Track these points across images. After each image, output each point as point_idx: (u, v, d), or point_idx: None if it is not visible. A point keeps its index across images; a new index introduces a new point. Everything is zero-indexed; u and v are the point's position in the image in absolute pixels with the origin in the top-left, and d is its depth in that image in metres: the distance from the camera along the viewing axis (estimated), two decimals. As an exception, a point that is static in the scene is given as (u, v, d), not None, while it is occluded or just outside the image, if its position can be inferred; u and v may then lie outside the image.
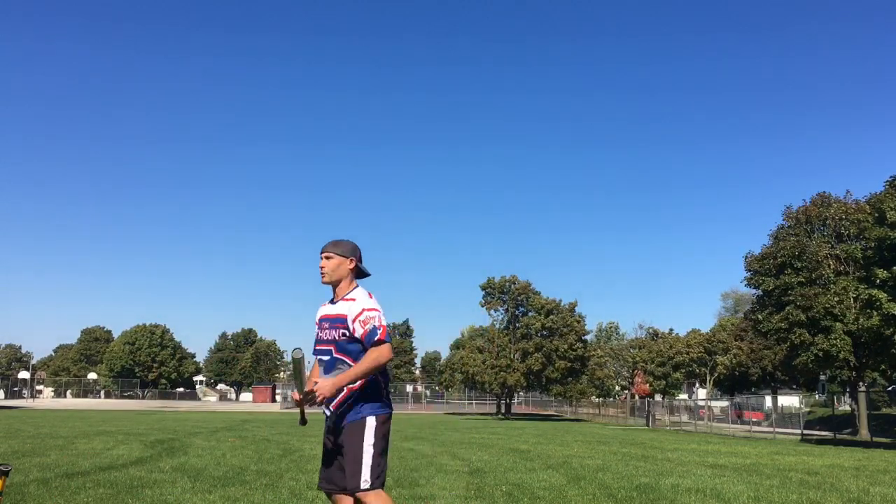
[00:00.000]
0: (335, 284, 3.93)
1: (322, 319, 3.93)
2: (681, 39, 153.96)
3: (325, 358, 3.86)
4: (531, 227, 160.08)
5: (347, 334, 3.76)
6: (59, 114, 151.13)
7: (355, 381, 3.70)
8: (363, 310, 3.74)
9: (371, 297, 3.86)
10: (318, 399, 3.66)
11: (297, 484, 8.71)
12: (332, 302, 3.93)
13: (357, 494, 3.65)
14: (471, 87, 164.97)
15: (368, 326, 3.69)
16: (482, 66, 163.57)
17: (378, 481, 3.65)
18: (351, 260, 3.93)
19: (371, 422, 3.71)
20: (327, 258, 3.92)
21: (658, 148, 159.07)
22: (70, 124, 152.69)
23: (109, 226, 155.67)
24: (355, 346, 3.77)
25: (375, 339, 3.67)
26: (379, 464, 3.67)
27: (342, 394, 3.74)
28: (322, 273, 3.91)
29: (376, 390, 3.77)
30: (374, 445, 3.67)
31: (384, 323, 3.74)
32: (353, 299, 3.82)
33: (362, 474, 3.62)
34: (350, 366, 3.73)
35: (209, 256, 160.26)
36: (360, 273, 4.00)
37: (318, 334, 3.95)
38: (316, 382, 3.69)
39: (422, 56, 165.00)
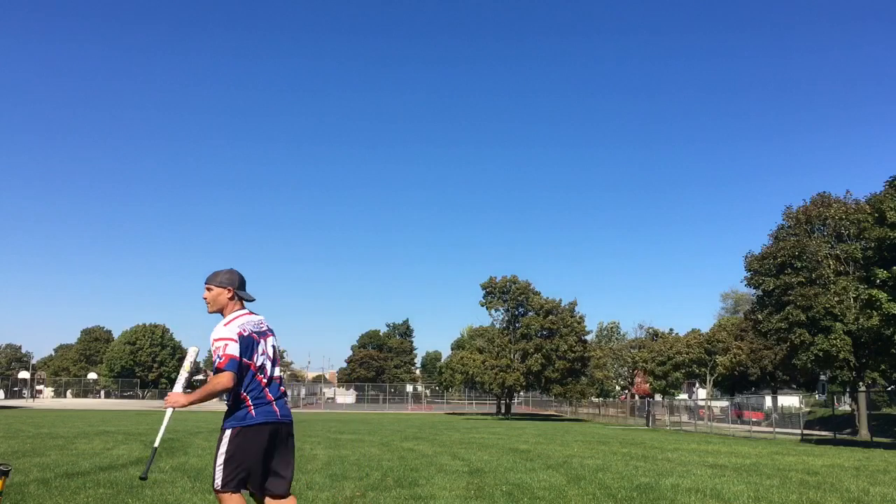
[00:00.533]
0: (220, 312, 4.25)
1: None
2: (681, 39, 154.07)
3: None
4: (531, 227, 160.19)
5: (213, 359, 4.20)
6: (60, 114, 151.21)
7: (202, 400, 4.15)
8: (214, 340, 4.10)
9: (228, 325, 4.15)
10: (165, 403, 4.21)
11: (296, 484, 8.71)
12: None
13: (215, 491, 4.11)
14: (471, 87, 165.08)
15: (214, 357, 4.05)
16: (482, 65, 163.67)
17: (230, 486, 4.03)
18: (229, 290, 4.24)
19: (226, 434, 4.09)
20: (208, 290, 4.29)
21: (658, 148, 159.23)
22: (70, 124, 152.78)
23: (109, 226, 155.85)
24: None
25: (215, 367, 4.04)
26: (229, 469, 4.04)
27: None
28: (206, 304, 4.29)
29: (237, 407, 4.12)
30: (225, 454, 4.06)
31: (229, 352, 4.03)
32: (215, 329, 4.20)
33: (215, 477, 4.05)
34: None
35: (209, 256, 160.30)
36: (243, 299, 4.33)
37: None
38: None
39: (422, 56, 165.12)
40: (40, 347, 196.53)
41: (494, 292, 56.32)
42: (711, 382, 57.05)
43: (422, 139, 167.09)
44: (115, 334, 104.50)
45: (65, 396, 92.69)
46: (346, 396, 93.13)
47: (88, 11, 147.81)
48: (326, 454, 13.78)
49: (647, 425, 43.82)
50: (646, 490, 8.86)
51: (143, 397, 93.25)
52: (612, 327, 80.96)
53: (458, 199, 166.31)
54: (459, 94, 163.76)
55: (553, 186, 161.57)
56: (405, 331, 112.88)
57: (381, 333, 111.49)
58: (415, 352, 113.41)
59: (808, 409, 49.35)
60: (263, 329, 4.28)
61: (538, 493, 8.42)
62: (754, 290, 38.40)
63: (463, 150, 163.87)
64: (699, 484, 9.72)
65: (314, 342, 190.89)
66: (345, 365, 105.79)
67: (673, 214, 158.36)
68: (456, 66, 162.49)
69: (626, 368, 70.15)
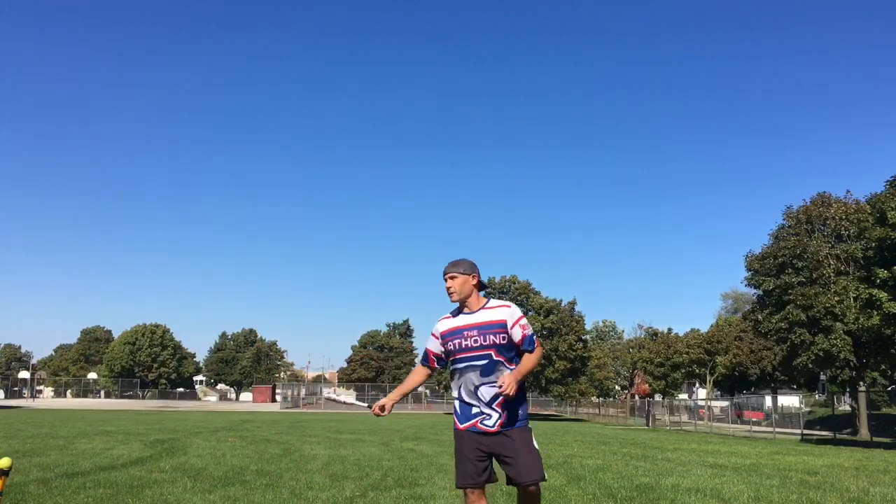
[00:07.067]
0: (463, 300, 4.28)
1: (462, 329, 4.24)
2: (681, 39, 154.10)
3: (483, 362, 4.16)
4: (531, 227, 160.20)
5: (507, 338, 4.14)
6: (59, 114, 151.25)
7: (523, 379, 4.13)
8: (521, 316, 4.21)
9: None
10: (511, 392, 3.90)
11: (297, 484, 8.71)
12: (465, 313, 4.27)
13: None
14: (472, 88, 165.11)
15: (523, 332, 4.14)
16: (482, 66, 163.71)
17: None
18: (474, 276, 4.29)
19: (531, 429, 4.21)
20: (451, 278, 4.27)
21: (658, 148, 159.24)
22: (70, 124, 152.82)
23: (109, 226, 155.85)
24: (512, 349, 4.18)
25: (532, 341, 4.16)
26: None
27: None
28: (451, 293, 4.27)
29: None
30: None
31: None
32: (507, 306, 4.24)
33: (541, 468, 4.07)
34: (506, 366, 4.12)
35: (209, 256, 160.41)
36: (482, 286, 4.39)
37: (460, 343, 4.24)
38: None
39: (424, 56, 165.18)
40: (40, 347, 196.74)
41: (493, 293, 56.31)
42: (711, 382, 57.05)
43: (422, 139, 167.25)
44: (115, 334, 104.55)
45: (65, 396, 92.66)
46: (346, 396, 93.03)
47: (88, 11, 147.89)
48: (326, 454, 13.78)
49: (647, 425, 43.83)
50: (646, 490, 8.86)
51: (144, 397, 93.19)
52: (608, 326, 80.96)
53: (458, 199, 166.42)
54: (460, 95, 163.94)
55: (553, 186, 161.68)
56: (405, 331, 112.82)
57: (381, 333, 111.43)
58: (415, 352, 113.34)
59: (808, 409, 49.39)
60: None
61: (538, 493, 8.39)
62: (754, 290, 38.42)
63: (463, 150, 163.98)
64: (699, 484, 9.71)
65: (314, 342, 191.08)
66: (345, 365, 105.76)
67: (673, 214, 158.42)
68: (456, 66, 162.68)
69: (625, 368, 70.16)
